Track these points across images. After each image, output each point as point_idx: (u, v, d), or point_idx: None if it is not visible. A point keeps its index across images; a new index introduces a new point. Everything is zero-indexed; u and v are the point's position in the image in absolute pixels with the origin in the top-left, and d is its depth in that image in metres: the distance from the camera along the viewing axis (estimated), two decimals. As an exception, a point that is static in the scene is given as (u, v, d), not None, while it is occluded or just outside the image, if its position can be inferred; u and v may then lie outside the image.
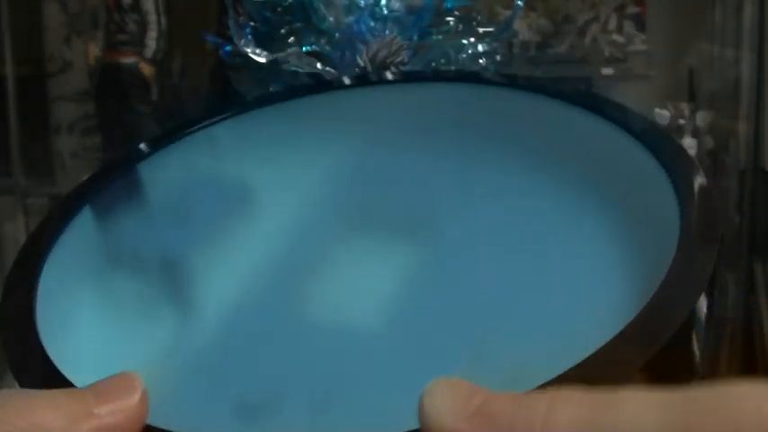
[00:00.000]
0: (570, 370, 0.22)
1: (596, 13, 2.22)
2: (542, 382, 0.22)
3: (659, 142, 0.30)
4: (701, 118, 2.00)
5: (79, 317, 0.33)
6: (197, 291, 0.34)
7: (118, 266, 0.34)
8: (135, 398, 0.24)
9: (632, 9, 2.29)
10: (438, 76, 0.39)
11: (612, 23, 2.25)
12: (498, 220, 0.33)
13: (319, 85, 0.43)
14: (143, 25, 2.19)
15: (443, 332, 0.29)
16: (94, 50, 2.22)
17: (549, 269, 0.30)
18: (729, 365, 1.76)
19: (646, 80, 2.31)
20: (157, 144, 0.41)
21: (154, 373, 0.31)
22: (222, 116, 0.40)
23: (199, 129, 0.39)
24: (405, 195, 0.35)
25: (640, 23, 2.27)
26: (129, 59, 2.20)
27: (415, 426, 0.23)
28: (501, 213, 0.33)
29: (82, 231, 0.34)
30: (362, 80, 0.43)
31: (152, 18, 2.16)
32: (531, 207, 0.33)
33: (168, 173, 0.38)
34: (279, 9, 0.50)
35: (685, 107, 2.00)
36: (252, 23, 0.52)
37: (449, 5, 0.52)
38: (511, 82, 0.36)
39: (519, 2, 0.53)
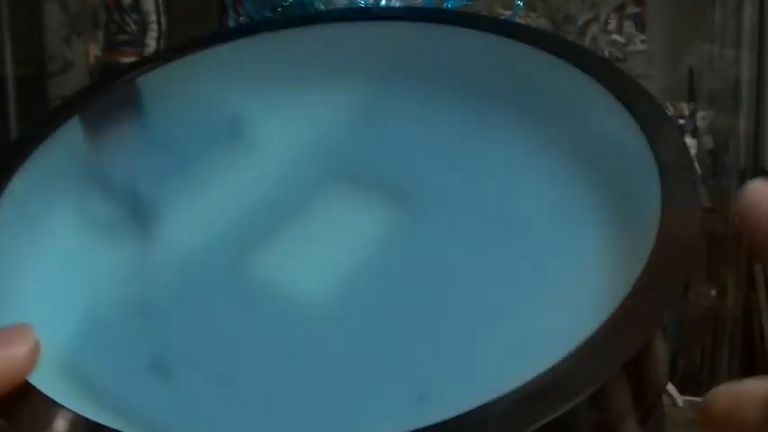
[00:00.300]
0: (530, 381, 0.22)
1: (596, 13, 2.22)
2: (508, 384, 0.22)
3: (643, 106, 0.29)
4: (701, 118, 2.00)
5: (40, 224, 0.32)
6: (160, 227, 0.33)
7: (92, 184, 0.33)
8: (23, 349, 0.24)
9: (632, 9, 2.29)
10: (443, 17, 0.36)
11: (612, 23, 2.25)
12: (480, 191, 0.31)
13: (316, 17, 0.40)
14: (143, 25, 2.20)
15: (394, 323, 0.28)
16: (94, 50, 2.22)
17: (526, 255, 0.29)
18: (729, 365, 1.76)
19: (646, 80, 2.31)
20: (159, 60, 0.39)
21: (88, 307, 0.30)
22: (231, 37, 0.38)
23: (204, 48, 0.37)
24: (395, 154, 0.33)
25: (640, 23, 2.28)
26: (129, 59, 2.21)
27: None
28: (483, 183, 0.31)
29: (67, 140, 0.33)
30: (362, 12, 0.40)
31: (152, 18, 2.16)
32: (519, 179, 0.31)
33: (164, 92, 0.36)
34: (279, 9, 0.50)
35: (685, 107, 2.00)
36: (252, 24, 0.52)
37: (449, 5, 0.52)
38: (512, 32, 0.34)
39: (519, 2, 0.53)
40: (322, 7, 0.49)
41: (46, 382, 0.25)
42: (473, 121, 0.33)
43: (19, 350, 0.25)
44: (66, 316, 0.30)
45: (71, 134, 0.34)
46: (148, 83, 0.36)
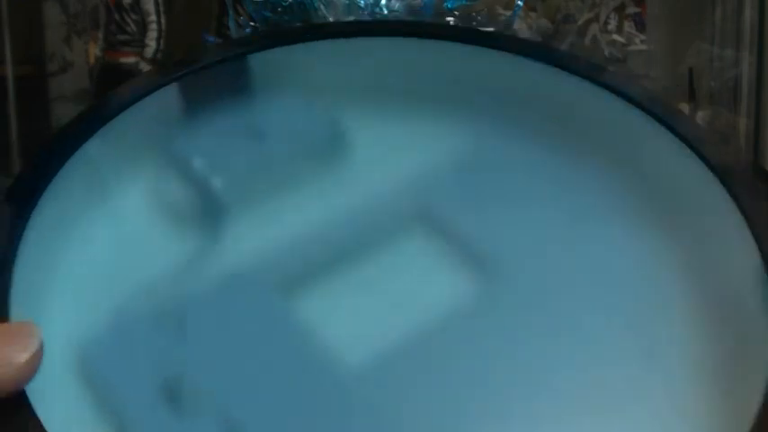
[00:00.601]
0: None
1: (596, 13, 2.22)
2: None
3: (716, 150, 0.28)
4: (701, 118, 2.00)
5: (109, 193, 0.30)
6: (224, 228, 0.31)
7: (171, 161, 0.31)
8: (24, 356, 0.22)
9: (632, 9, 2.29)
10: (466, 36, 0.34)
11: (612, 23, 2.25)
12: (569, 275, 0.29)
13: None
14: (143, 25, 2.20)
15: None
16: (94, 50, 2.22)
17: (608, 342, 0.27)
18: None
19: (646, 80, 2.31)
20: (277, 39, 0.36)
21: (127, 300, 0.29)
22: (353, 29, 0.34)
23: (324, 36, 0.35)
24: (489, 208, 0.31)
25: (640, 23, 2.28)
26: (129, 59, 2.20)
27: None
28: (576, 267, 0.29)
29: (158, 107, 0.31)
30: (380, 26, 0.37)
31: (152, 18, 2.16)
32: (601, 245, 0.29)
33: (274, 77, 0.34)
34: (279, 9, 0.50)
35: (685, 107, 2.00)
36: (252, 23, 0.52)
37: (449, 5, 0.52)
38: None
39: (519, 2, 0.53)
40: (322, 7, 0.49)
41: (49, 374, 0.24)
42: (567, 180, 0.31)
43: (20, 357, 0.23)
44: (94, 313, 0.29)
45: (164, 102, 0.32)
46: (262, 63, 0.32)
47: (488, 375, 0.27)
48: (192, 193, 0.31)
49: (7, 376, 0.23)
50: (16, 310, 0.25)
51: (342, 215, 0.31)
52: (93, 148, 0.29)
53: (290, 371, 0.27)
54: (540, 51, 0.31)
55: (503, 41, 0.31)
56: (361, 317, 0.29)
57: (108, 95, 0.36)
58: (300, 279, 0.30)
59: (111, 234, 0.30)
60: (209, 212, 0.31)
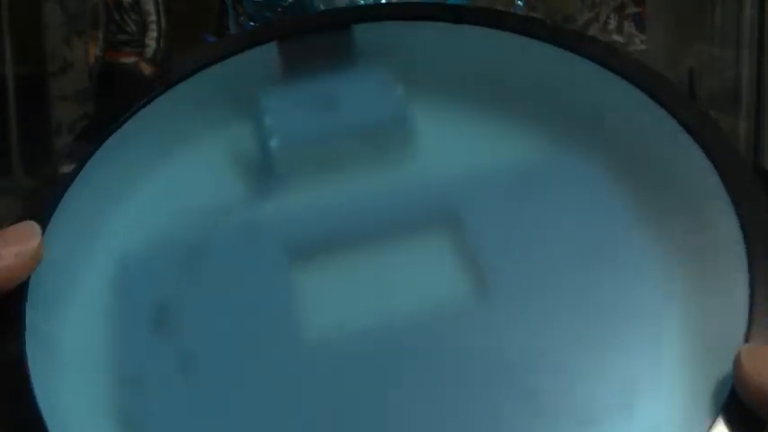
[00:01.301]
0: None
1: (596, 13, 2.22)
2: None
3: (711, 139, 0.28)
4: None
5: (187, 132, 0.32)
6: (273, 193, 0.32)
7: (250, 115, 0.32)
8: (35, 242, 0.26)
9: (632, 9, 2.30)
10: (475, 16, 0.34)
11: (612, 23, 2.26)
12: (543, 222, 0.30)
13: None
14: (143, 25, 2.20)
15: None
16: (94, 50, 2.22)
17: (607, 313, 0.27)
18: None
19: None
20: (380, 10, 0.36)
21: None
22: (456, 14, 0.34)
23: (428, 17, 0.34)
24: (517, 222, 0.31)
25: (640, 23, 2.28)
26: (129, 59, 2.21)
27: None
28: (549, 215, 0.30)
29: (254, 62, 0.32)
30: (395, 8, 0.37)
31: (152, 18, 2.16)
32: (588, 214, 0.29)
33: (373, 50, 0.33)
34: (279, 9, 0.50)
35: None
36: (252, 23, 0.52)
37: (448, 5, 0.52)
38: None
39: (519, 2, 0.53)
40: (322, 7, 0.49)
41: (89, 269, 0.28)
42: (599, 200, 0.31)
43: (32, 243, 0.26)
44: (138, 230, 0.30)
45: (261, 58, 0.33)
46: (365, 34, 0.34)
47: (467, 371, 0.27)
48: (255, 148, 0.32)
49: (27, 262, 0.26)
50: (61, 220, 0.28)
51: (376, 199, 0.31)
52: (182, 92, 0.31)
53: (261, 326, 0.28)
54: (632, 69, 0.31)
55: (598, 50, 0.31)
56: (351, 294, 0.30)
57: (210, 45, 0.38)
58: (311, 248, 0.30)
59: (176, 170, 0.31)
60: (263, 168, 0.32)
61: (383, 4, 0.44)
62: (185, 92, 0.32)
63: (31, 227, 0.26)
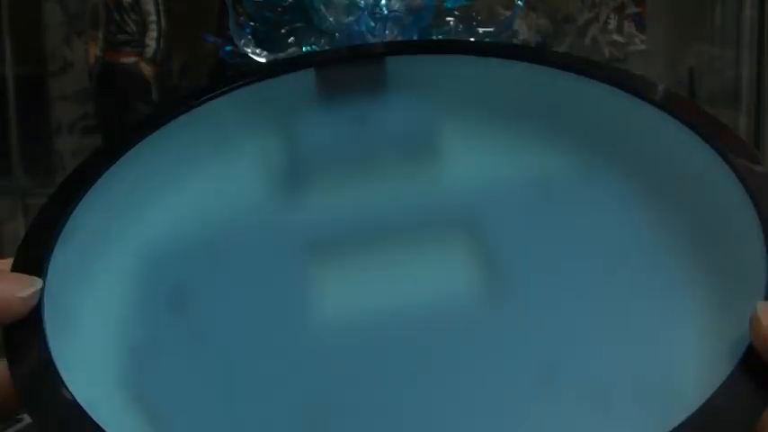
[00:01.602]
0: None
1: (596, 13, 2.22)
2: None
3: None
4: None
5: (229, 145, 0.35)
6: (294, 190, 0.34)
7: (284, 133, 0.35)
8: (26, 291, 0.26)
9: (632, 9, 2.30)
10: (494, 51, 0.36)
11: (612, 23, 2.26)
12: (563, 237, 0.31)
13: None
14: (143, 25, 2.20)
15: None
16: (94, 50, 2.22)
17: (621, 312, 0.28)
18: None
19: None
20: (413, 47, 0.39)
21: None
22: (484, 50, 0.37)
23: (454, 52, 0.37)
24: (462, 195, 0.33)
25: (640, 23, 2.28)
26: (129, 59, 2.21)
27: None
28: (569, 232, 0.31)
29: (293, 85, 0.35)
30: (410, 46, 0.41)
31: (152, 18, 2.17)
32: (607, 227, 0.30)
33: (404, 83, 0.36)
34: (279, 9, 0.50)
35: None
36: (252, 23, 0.52)
37: (449, 5, 0.52)
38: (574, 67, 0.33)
39: (519, 2, 0.53)
40: (322, 7, 0.49)
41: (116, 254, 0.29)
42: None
43: (24, 291, 0.26)
44: (171, 223, 0.32)
45: (298, 81, 0.35)
46: (396, 64, 0.36)
47: (475, 368, 0.28)
48: (286, 156, 0.34)
49: (11, 305, 0.26)
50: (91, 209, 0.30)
51: (398, 202, 0.33)
52: (227, 102, 0.34)
53: (274, 312, 0.30)
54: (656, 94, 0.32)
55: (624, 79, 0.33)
56: (367, 289, 0.31)
57: (262, 66, 0.42)
58: (331, 245, 0.32)
59: (212, 172, 0.34)
60: (292, 173, 0.34)
61: (415, 40, 0.48)
62: (227, 103, 0.34)
63: (32, 278, 0.27)
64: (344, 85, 0.36)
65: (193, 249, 0.32)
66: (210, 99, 0.34)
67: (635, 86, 0.32)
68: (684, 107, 0.31)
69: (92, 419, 0.24)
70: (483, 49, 0.37)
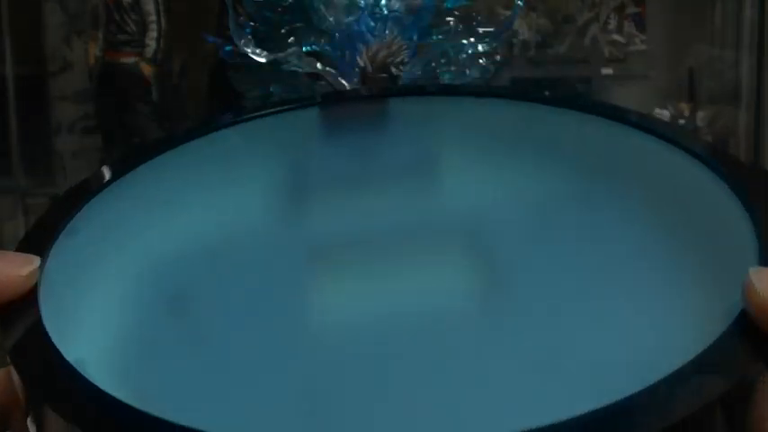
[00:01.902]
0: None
1: (596, 13, 2.22)
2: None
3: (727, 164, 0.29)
4: (701, 118, 2.01)
5: (237, 162, 0.37)
6: (298, 206, 0.36)
7: (291, 162, 0.37)
8: (26, 269, 0.27)
9: (632, 9, 2.30)
10: (492, 92, 0.39)
11: (612, 23, 2.25)
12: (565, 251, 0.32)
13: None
14: (143, 25, 2.20)
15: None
16: (94, 50, 2.22)
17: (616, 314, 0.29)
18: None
19: (646, 80, 2.31)
20: (421, 90, 0.42)
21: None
22: (483, 92, 0.40)
23: (455, 94, 0.40)
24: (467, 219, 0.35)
25: (640, 23, 2.28)
26: (129, 59, 2.21)
27: None
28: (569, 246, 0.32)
29: (300, 119, 0.38)
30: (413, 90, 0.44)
31: (152, 18, 2.17)
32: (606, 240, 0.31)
33: (408, 121, 0.38)
34: (279, 9, 0.50)
35: (685, 107, 2.00)
36: (252, 23, 0.52)
37: (449, 5, 0.52)
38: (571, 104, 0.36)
39: (519, 2, 0.53)
40: (322, 7, 0.49)
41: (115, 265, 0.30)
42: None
43: (22, 270, 0.27)
44: (175, 235, 0.33)
45: (306, 117, 0.37)
46: (399, 102, 0.38)
47: (474, 366, 0.28)
48: (291, 181, 0.37)
49: (11, 284, 0.27)
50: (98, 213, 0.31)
51: (399, 222, 0.35)
52: (235, 131, 0.36)
53: (273, 313, 0.31)
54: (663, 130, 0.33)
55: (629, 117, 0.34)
56: (365, 294, 0.32)
57: (263, 104, 0.45)
58: (331, 255, 0.33)
59: (217, 192, 0.36)
60: (295, 193, 0.36)
61: (418, 84, 0.51)
62: (235, 132, 0.37)
63: (31, 257, 0.27)
64: (347, 120, 0.38)
65: (194, 257, 0.33)
66: (220, 128, 0.36)
67: (621, 115, 0.34)
68: (671, 131, 0.32)
69: (87, 378, 0.24)
70: (481, 92, 0.40)
